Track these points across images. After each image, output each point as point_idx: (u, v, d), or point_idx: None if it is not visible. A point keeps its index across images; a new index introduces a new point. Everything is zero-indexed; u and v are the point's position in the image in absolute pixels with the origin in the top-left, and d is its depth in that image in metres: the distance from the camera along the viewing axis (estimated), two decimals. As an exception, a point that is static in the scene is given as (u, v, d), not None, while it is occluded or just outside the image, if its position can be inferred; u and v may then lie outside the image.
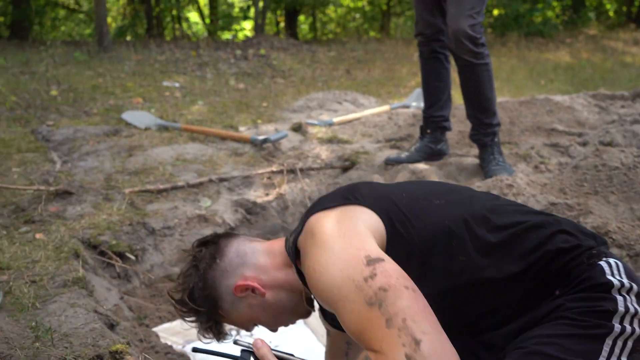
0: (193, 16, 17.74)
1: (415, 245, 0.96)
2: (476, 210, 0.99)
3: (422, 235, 0.96)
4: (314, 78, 5.92)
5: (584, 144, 2.60)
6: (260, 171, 2.74)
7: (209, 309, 1.14)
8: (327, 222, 0.97)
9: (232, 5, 17.28)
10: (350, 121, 3.71)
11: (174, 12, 15.64)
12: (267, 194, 2.63)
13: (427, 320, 0.83)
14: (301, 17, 15.49)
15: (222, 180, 2.65)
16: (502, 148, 2.55)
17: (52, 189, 2.34)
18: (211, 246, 1.16)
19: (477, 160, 2.47)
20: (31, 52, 7.20)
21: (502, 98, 3.82)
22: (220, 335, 1.18)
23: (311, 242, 0.97)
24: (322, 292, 0.93)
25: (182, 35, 14.73)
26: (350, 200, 1.01)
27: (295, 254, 1.05)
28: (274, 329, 1.19)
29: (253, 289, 1.12)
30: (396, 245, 0.96)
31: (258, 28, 11.05)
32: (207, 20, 16.01)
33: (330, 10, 16.91)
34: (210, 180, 2.63)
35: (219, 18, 15.78)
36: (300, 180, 2.69)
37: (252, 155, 3.04)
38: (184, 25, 17.69)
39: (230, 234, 1.21)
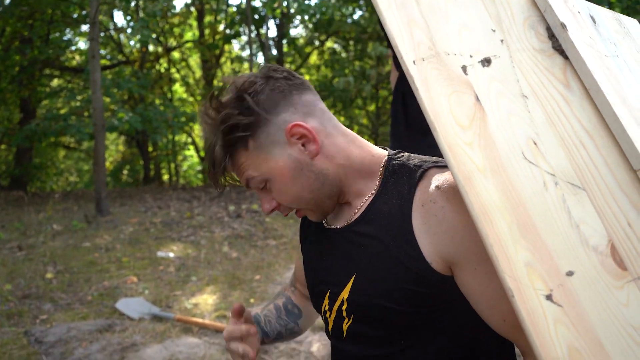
0: (188, 152, 18.46)
1: None
2: None
3: None
4: (306, 238, 6.06)
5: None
6: (252, 378, 2.73)
7: (245, 127, 0.99)
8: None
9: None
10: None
11: (170, 156, 16.34)
12: (259, 404, 2.61)
13: None
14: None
15: (214, 391, 2.64)
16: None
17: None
18: (290, 73, 1.04)
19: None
20: (29, 216, 7.39)
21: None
22: (217, 175, 1.03)
23: None
24: (471, 242, 0.92)
25: (176, 182, 15.19)
26: None
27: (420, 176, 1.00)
28: (277, 200, 1.04)
29: (307, 142, 1.01)
30: None
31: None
32: (202, 153, 16.62)
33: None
34: (202, 393, 2.61)
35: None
36: (292, 385, 2.68)
37: (245, 352, 3.05)
38: (184, 165, 18.37)
39: None
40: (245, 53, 16.94)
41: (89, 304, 3.95)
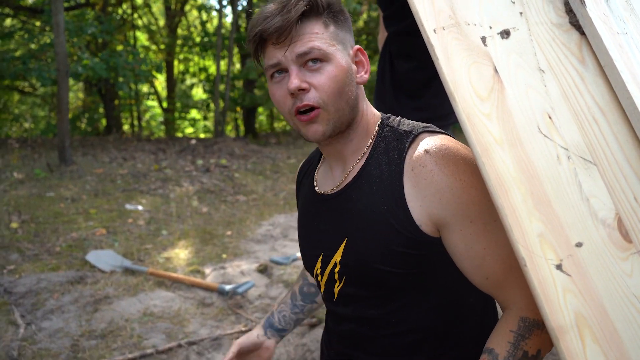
0: (151, 102, 18.02)
1: None
2: None
3: None
4: (276, 195, 6.07)
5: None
6: (228, 331, 2.77)
7: (340, 14, 1.08)
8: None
9: (189, 96, 17.68)
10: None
11: (133, 106, 15.91)
12: (236, 356, 2.66)
13: None
14: (260, 109, 15.97)
15: (191, 344, 2.67)
16: None
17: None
18: None
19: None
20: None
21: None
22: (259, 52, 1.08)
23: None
24: (473, 203, 0.97)
25: (139, 133, 14.85)
26: None
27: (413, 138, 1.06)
28: (318, 84, 1.04)
29: (360, 70, 1.11)
30: None
31: (218, 130, 11.33)
32: (165, 104, 16.26)
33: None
34: (179, 345, 2.64)
35: (176, 104, 16.07)
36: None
37: (220, 307, 3.08)
38: (145, 115, 17.93)
39: None
40: (210, 1, 16.40)
41: (58, 255, 3.90)
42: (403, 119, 1.13)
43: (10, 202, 5.18)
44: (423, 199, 0.99)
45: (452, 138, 1.05)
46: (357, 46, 1.10)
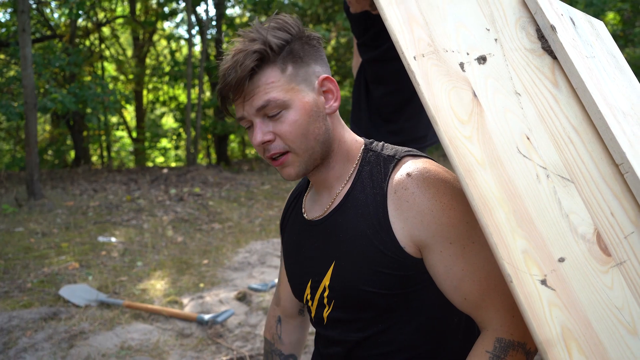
0: (120, 133, 17.80)
1: None
2: None
3: None
4: (251, 221, 6.04)
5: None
6: (209, 362, 2.73)
7: (294, 52, 1.05)
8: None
9: (159, 125, 17.56)
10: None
11: (103, 137, 15.71)
12: (218, 388, 2.62)
13: None
14: (231, 136, 15.93)
15: (171, 377, 2.62)
16: None
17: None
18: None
19: None
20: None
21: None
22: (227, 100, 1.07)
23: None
24: (452, 225, 0.99)
25: (109, 164, 14.65)
26: None
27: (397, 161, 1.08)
28: (282, 132, 1.06)
29: (329, 98, 1.10)
30: None
31: (190, 158, 11.26)
32: (134, 134, 16.07)
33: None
34: (160, 379, 2.59)
35: (146, 134, 15.92)
36: (250, 368, 2.70)
37: (199, 337, 3.04)
38: (114, 146, 17.70)
39: None
40: (178, 31, 16.44)
41: (30, 291, 3.79)
42: (386, 144, 1.16)
43: (-22, 238, 5.04)
44: (405, 220, 1.02)
45: (434, 162, 1.09)
46: (324, 75, 1.09)
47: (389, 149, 1.14)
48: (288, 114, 1.04)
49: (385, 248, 1.04)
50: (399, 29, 0.96)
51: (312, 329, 2.57)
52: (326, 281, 1.13)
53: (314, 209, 1.20)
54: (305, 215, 1.22)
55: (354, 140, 1.16)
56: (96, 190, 7.83)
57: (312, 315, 1.22)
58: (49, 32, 12.90)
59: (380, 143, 1.17)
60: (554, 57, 0.97)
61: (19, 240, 5.07)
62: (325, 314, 1.16)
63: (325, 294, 1.14)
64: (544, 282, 0.83)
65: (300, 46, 1.07)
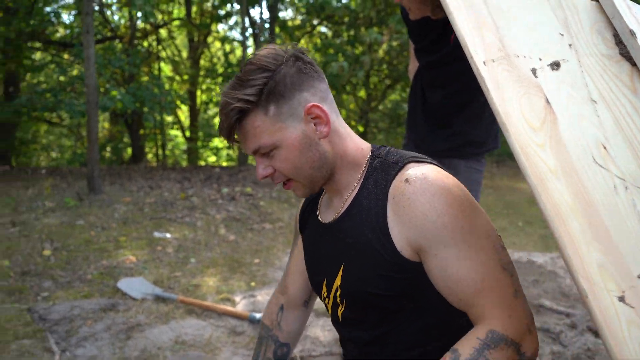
0: (174, 132, 18.27)
1: None
2: None
3: None
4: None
5: (573, 327, 2.71)
6: (261, 360, 2.76)
7: (272, 93, 1.07)
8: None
9: (212, 125, 17.91)
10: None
11: (158, 135, 16.18)
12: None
13: None
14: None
15: (223, 373, 2.67)
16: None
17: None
18: (313, 62, 1.14)
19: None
20: (17, 192, 7.31)
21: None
22: (231, 132, 1.11)
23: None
24: (447, 230, 1.01)
25: (164, 162, 15.05)
26: None
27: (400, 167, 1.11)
28: (277, 168, 1.13)
29: (319, 124, 1.11)
30: None
31: (242, 158, 11.45)
32: (188, 133, 16.46)
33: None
34: (212, 374, 2.64)
35: (199, 133, 16.28)
36: (300, 368, 2.72)
37: (251, 335, 3.08)
38: (168, 145, 18.20)
39: None
40: (232, 33, 16.71)
41: (90, 282, 3.95)
42: (392, 149, 1.20)
43: (43, 231, 5.28)
44: (402, 225, 1.06)
45: (438, 167, 1.11)
46: (309, 105, 1.10)
47: (394, 154, 1.17)
48: (279, 152, 1.10)
49: (385, 252, 1.08)
50: (468, 33, 0.94)
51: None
52: (338, 281, 1.20)
53: (328, 212, 1.27)
54: (320, 217, 1.29)
55: (359, 149, 1.19)
56: (152, 187, 8.06)
57: (330, 312, 1.28)
58: (109, 34, 13.39)
59: (387, 148, 1.20)
60: (633, 64, 0.93)
61: (80, 232, 5.28)
62: (340, 312, 1.23)
63: (338, 293, 1.21)
64: (622, 298, 0.80)
65: (282, 79, 1.08)
